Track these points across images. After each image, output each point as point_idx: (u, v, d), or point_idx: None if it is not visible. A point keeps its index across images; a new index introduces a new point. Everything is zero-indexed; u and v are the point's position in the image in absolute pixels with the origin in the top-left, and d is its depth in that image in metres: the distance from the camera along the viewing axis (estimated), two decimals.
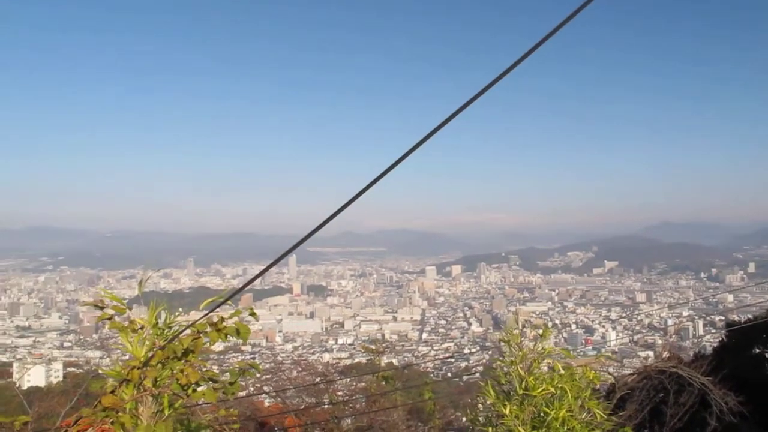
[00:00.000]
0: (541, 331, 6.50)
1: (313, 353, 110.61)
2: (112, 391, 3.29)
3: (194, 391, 3.46)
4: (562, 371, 6.10)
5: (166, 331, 3.62)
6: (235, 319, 3.69)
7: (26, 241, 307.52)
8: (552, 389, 5.96)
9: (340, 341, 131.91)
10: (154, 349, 3.47)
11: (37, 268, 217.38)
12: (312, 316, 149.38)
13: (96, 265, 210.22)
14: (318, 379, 20.10)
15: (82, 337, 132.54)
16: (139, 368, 3.34)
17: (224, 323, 3.59)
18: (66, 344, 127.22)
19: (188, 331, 3.67)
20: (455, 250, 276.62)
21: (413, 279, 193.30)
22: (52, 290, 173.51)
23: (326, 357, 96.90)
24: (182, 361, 3.49)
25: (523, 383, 6.05)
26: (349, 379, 24.12)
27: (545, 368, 6.33)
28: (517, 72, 3.01)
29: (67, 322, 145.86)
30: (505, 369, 6.32)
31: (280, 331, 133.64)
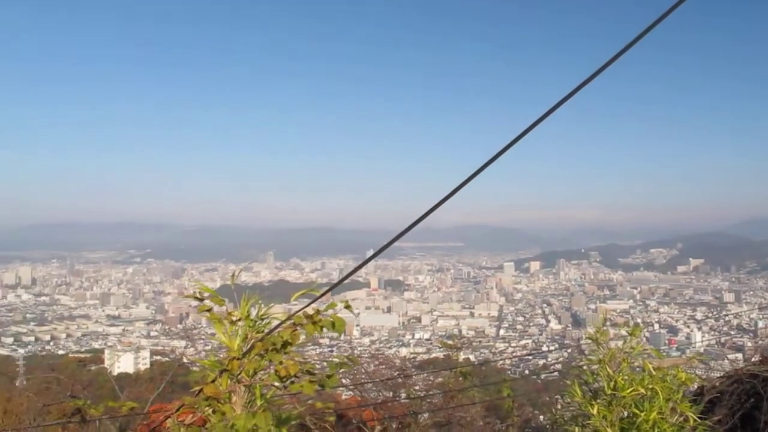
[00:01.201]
0: (629, 330, 6.26)
1: (389, 347, 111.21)
2: (212, 381, 3.34)
3: (292, 383, 3.49)
4: (653, 372, 5.85)
5: (258, 323, 3.65)
6: (331, 311, 3.70)
7: (117, 234, 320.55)
8: (642, 390, 5.72)
9: (416, 336, 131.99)
10: (253, 341, 3.50)
11: (125, 260, 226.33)
12: (389, 310, 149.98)
13: (180, 258, 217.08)
14: (396, 373, 20.10)
15: (167, 327, 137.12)
16: (238, 359, 3.39)
17: (320, 316, 3.61)
18: (152, 333, 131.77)
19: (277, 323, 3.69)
20: (533, 245, 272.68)
21: (491, 275, 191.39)
22: (140, 282, 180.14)
23: (403, 351, 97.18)
24: (281, 353, 3.53)
25: (612, 383, 5.84)
26: (425, 374, 24.07)
27: (631, 368, 6.10)
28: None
29: (153, 312, 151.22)
30: (592, 368, 6.12)
31: (357, 325, 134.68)
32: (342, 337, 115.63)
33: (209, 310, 3.63)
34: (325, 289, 3.92)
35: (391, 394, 18.97)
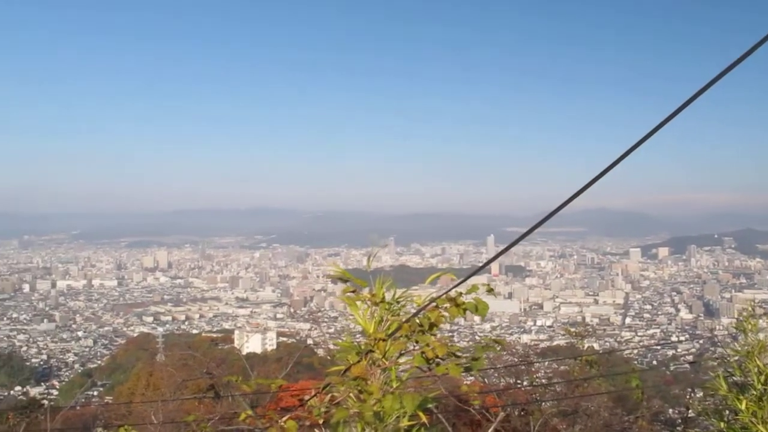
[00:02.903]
0: None
1: (511, 334, 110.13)
2: (358, 362, 3.37)
3: (437, 365, 3.47)
4: None
5: (394, 306, 3.65)
6: (473, 295, 3.65)
7: (245, 220, 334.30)
8: None
9: (538, 323, 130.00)
10: (394, 322, 3.50)
11: (253, 245, 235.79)
12: (510, 296, 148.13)
13: (304, 243, 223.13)
14: (517, 360, 19.81)
15: (292, 309, 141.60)
16: (383, 340, 3.40)
17: (462, 299, 3.57)
18: (278, 316, 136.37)
19: (412, 307, 3.68)
20: (661, 230, 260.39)
21: (616, 261, 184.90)
22: (266, 266, 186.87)
23: (524, 338, 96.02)
24: (428, 335, 3.52)
25: (762, 377, 5.42)
26: (547, 362, 23.62)
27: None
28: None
29: (279, 295, 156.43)
30: (740, 360, 5.71)
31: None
32: (462, 323, 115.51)
33: (354, 291, 3.65)
34: (474, 270, 3.86)
35: (512, 380, 18.74)
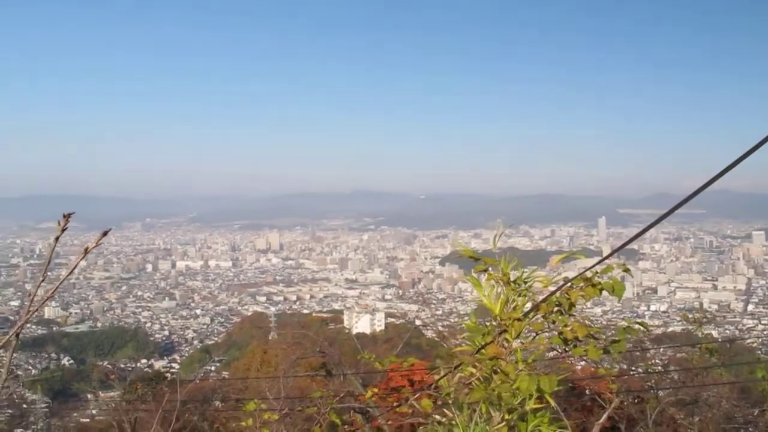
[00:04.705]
0: None
1: (622, 319, 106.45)
2: (491, 341, 3.39)
3: (575, 346, 3.44)
4: None
5: (521, 286, 3.63)
6: (610, 274, 3.60)
7: (352, 203, 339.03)
8: None
9: (652, 308, 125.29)
10: (536, 302, 3.49)
11: (361, 227, 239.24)
12: (622, 280, 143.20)
13: (411, 225, 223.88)
14: (630, 345, 19.21)
15: (400, 291, 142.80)
16: (519, 320, 3.40)
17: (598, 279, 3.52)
18: (387, 297, 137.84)
19: (538, 286, 3.66)
20: None
21: (737, 244, 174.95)
22: (374, 248, 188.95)
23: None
24: (567, 316, 3.49)
25: None
26: (662, 349, 22.78)
27: None
28: None
29: (387, 276, 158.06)
30: None
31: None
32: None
33: (486, 270, 3.65)
34: (614, 250, 3.79)
35: (625, 366, 18.23)
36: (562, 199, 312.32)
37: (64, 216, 1.90)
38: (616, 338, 3.61)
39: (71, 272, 2.09)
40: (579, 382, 16.86)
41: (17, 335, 2.04)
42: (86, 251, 1.91)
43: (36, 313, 2.04)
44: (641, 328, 3.88)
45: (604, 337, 3.54)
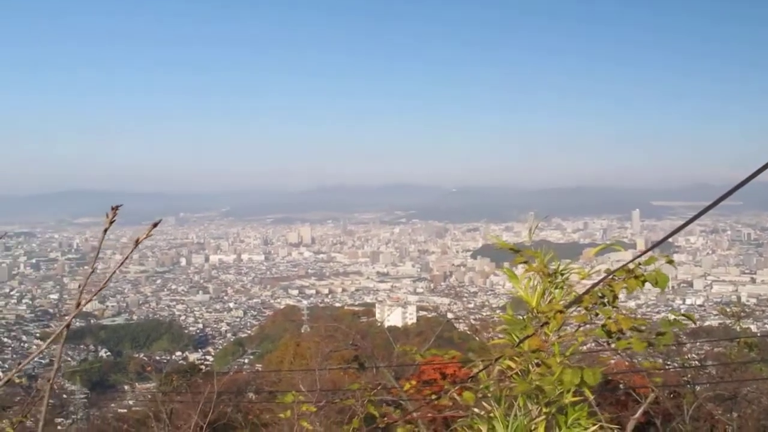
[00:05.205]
0: None
1: (657, 312, 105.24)
2: (533, 334, 3.35)
3: (618, 339, 3.39)
4: None
5: (558, 278, 3.58)
6: (653, 266, 3.53)
7: (384, 196, 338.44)
8: None
9: (688, 301, 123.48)
10: (579, 295, 3.43)
11: (392, 220, 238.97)
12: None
13: (443, 219, 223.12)
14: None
15: (432, 284, 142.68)
16: (561, 312, 3.36)
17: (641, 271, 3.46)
18: (418, 290, 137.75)
19: (574, 278, 3.61)
20: None
21: None
22: (406, 241, 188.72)
23: (671, 317, 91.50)
24: (610, 308, 3.44)
25: None
26: (699, 343, 22.45)
27: None
28: None
29: (419, 270, 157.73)
30: None
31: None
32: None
33: (525, 261, 3.62)
34: (657, 242, 3.74)
35: (661, 360, 18.00)
36: (594, 192, 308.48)
37: (112, 208, 1.94)
38: (662, 330, 3.54)
39: (123, 263, 2.14)
40: (613, 376, 16.69)
41: (68, 326, 2.08)
42: (137, 242, 1.95)
43: (86, 305, 2.09)
44: (687, 320, 3.79)
45: (647, 329, 3.47)
